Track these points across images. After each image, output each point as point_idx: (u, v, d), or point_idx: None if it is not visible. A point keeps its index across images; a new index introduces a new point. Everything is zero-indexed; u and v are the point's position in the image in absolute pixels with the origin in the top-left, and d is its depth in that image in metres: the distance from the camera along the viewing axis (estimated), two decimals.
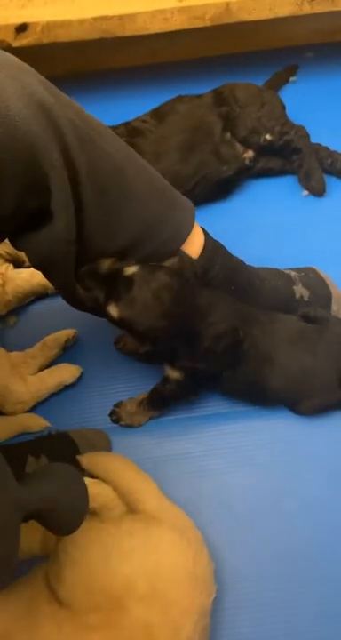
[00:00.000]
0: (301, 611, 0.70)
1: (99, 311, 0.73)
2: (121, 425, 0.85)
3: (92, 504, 0.71)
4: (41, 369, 0.88)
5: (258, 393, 0.81)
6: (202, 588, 0.64)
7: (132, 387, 0.85)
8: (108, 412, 0.85)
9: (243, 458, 0.81)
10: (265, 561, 0.73)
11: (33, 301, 0.98)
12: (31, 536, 0.71)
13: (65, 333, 0.90)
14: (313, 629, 0.68)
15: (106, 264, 0.70)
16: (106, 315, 0.72)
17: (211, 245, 0.80)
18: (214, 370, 0.78)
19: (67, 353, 0.91)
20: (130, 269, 0.70)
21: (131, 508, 0.72)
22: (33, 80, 0.58)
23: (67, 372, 0.88)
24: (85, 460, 0.77)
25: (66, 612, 0.60)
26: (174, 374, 0.78)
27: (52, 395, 0.87)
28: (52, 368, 0.88)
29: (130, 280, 0.69)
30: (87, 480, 0.73)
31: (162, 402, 0.84)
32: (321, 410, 0.82)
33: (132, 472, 0.75)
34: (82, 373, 0.89)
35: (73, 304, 0.77)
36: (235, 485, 0.79)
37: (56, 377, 0.87)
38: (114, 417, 0.85)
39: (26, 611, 0.61)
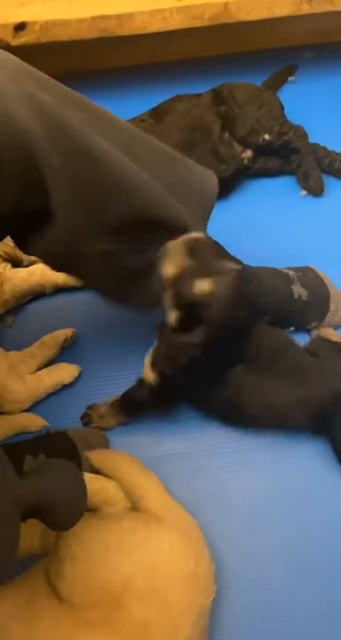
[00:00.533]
0: (299, 610, 0.70)
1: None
2: (92, 426, 0.84)
3: (93, 499, 0.72)
4: (39, 368, 0.88)
5: (235, 415, 0.80)
6: (202, 587, 0.64)
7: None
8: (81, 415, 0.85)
9: (242, 458, 0.81)
10: (263, 561, 0.73)
11: (31, 300, 0.98)
12: (30, 534, 0.71)
13: (63, 333, 0.90)
14: (310, 630, 0.68)
15: (214, 247, 0.69)
16: (182, 292, 0.68)
17: None
18: (195, 383, 0.77)
19: (65, 352, 0.91)
20: (233, 265, 0.69)
21: (135, 506, 0.72)
22: (31, 80, 0.58)
23: (65, 372, 0.88)
24: (94, 456, 0.78)
25: (65, 608, 0.60)
26: (150, 376, 0.77)
27: (51, 394, 0.87)
28: (51, 367, 0.88)
29: (229, 271, 0.67)
30: (89, 475, 0.74)
31: (131, 407, 0.83)
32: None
33: (139, 470, 0.76)
34: (80, 373, 0.89)
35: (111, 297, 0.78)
36: (234, 485, 0.79)
37: (54, 376, 0.87)
38: (85, 419, 0.84)
39: (25, 605, 0.61)
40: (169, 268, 0.67)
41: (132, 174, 0.64)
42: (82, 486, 0.59)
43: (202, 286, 0.66)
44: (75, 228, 0.63)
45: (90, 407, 0.85)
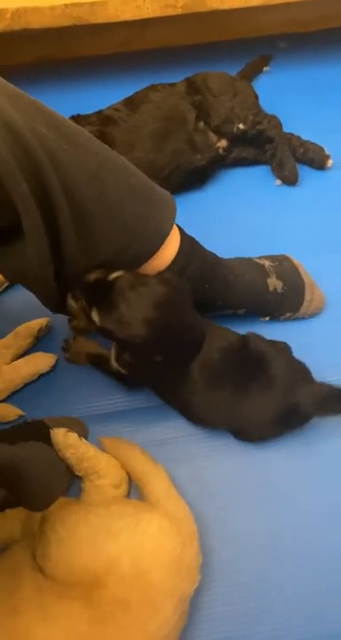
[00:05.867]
0: (273, 590, 0.71)
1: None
2: (65, 358, 0.88)
3: (83, 464, 0.74)
4: (15, 358, 0.88)
5: (189, 412, 0.81)
6: (186, 574, 0.66)
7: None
8: (63, 343, 0.88)
9: (219, 444, 0.82)
10: (241, 543, 0.74)
11: (4, 291, 0.97)
12: (11, 523, 0.72)
13: (37, 322, 0.89)
14: (285, 608, 0.70)
15: (93, 274, 0.68)
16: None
17: (188, 244, 0.79)
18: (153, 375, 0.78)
19: (41, 342, 0.91)
20: (114, 274, 0.68)
21: (141, 490, 0.75)
22: (1, 98, 0.56)
23: (42, 361, 0.87)
24: (106, 441, 0.80)
25: (48, 581, 0.62)
26: (116, 367, 0.78)
27: (27, 384, 0.87)
28: (27, 357, 0.88)
29: (111, 285, 0.67)
30: (85, 442, 0.76)
31: (102, 366, 0.84)
32: (253, 441, 0.81)
33: (148, 459, 0.78)
34: (57, 362, 0.89)
35: (53, 311, 0.77)
36: (214, 470, 0.80)
37: (31, 366, 0.87)
38: (65, 345, 0.87)
39: (9, 575, 0.63)
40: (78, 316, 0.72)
41: (94, 213, 0.64)
42: (58, 465, 0.59)
43: (95, 319, 0.69)
44: (41, 251, 0.62)
45: (74, 338, 0.87)
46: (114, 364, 0.78)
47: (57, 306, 0.75)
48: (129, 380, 0.81)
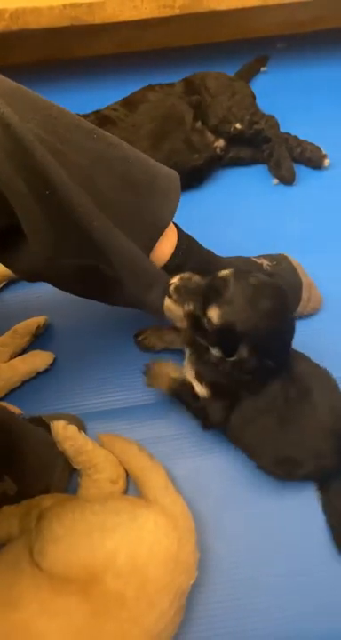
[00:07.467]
0: (268, 586, 0.72)
1: (194, 326, 0.70)
2: (145, 382, 0.84)
3: (81, 457, 0.75)
4: (12, 357, 0.88)
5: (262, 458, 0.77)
6: (183, 570, 0.66)
7: (105, 371, 0.86)
8: (143, 367, 0.83)
9: (215, 442, 0.82)
10: (237, 540, 0.75)
11: (2, 289, 0.98)
12: (9, 520, 0.72)
13: (35, 320, 0.90)
14: (281, 604, 0.70)
15: (194, 277, 0.69)
16: (201, 327, 0.69)
17: (185, 241, 0.80)
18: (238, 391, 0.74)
19: (39, 340, 0.91)
20: (224, 272, 0.69)
21: (139, 488, 0.75)
22: None
23: (39, 359, 0.88)
24: (105, 437, 0.80)
25: (45, 576, 0.63)
26: (201, 391, 0.76)
27: (25, 382, 0.87)
28: (25, 355, 0.88)
29: (225, 281, 0.67)
30: (83, 435, 0.77)
31: (184, 397, 0.80)
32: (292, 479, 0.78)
33: (146, 456, 0.78)
34: (54, 360, 0.89)
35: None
36: (210, 468, 0.80)
37: (28, 364, 0.87)
38: (146, 369, 0.83)
39: (7, 571, 0.64)
40: (181, 323, 0.70)
41: (91, 218, 0.63)
42: (55, 446, 0.57)
43: (213, 316, 0.67)
44: (45, 246, 0.63)
45: (154, 361, 0.83)
46: (198, 388, 0.76)
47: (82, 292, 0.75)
48: (208, 416, 0.77)
